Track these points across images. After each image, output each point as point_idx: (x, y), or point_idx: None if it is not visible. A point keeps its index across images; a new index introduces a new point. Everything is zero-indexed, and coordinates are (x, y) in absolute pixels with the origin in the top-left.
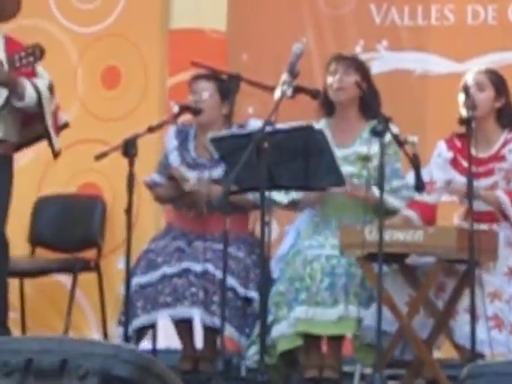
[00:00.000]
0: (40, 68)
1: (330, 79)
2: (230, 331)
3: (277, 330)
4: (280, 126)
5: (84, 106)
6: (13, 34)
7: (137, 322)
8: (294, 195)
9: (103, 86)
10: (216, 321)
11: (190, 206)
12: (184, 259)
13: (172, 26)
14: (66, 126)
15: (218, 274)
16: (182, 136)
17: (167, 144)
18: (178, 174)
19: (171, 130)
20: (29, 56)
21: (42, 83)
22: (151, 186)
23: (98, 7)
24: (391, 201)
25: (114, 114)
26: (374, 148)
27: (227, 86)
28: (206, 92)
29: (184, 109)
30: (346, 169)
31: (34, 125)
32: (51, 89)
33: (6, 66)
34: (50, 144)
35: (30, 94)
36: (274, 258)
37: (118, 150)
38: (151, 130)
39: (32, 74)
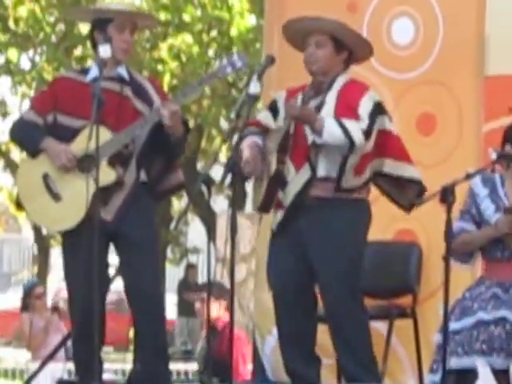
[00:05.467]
0: (364, 112)
1: None
2: None
3: None
4: None
5: None
6: None
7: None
8: None
9: (419, 132)
10: None
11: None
12: (501, 307)
13: (488, 72)
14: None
15: None
16: (490, 184)
17: (477, 192)
18: None
19: (476, 179)
20: None
21: (354, 125)
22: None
23: (413, 54)
24: None
25: (429, 160)
26: None
27: None
28: None
29: (502, 156)
30: None
31: None
32: (366, 134)
33: (299, 103)
34: None
35: (331, 132)
36: None
37: (435, 197)
38: (469, 177)
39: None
